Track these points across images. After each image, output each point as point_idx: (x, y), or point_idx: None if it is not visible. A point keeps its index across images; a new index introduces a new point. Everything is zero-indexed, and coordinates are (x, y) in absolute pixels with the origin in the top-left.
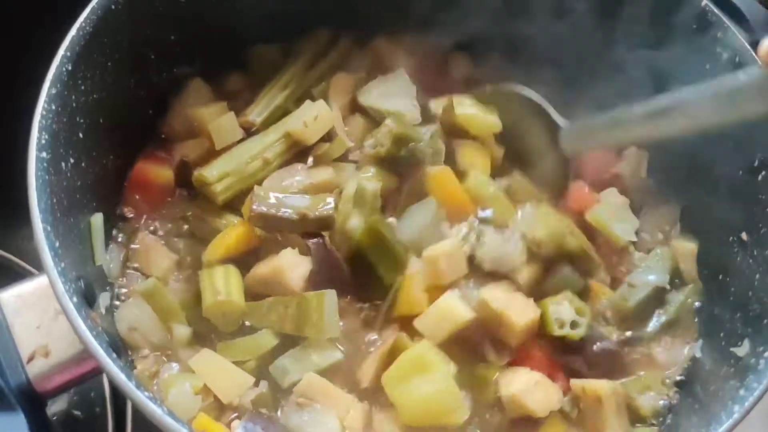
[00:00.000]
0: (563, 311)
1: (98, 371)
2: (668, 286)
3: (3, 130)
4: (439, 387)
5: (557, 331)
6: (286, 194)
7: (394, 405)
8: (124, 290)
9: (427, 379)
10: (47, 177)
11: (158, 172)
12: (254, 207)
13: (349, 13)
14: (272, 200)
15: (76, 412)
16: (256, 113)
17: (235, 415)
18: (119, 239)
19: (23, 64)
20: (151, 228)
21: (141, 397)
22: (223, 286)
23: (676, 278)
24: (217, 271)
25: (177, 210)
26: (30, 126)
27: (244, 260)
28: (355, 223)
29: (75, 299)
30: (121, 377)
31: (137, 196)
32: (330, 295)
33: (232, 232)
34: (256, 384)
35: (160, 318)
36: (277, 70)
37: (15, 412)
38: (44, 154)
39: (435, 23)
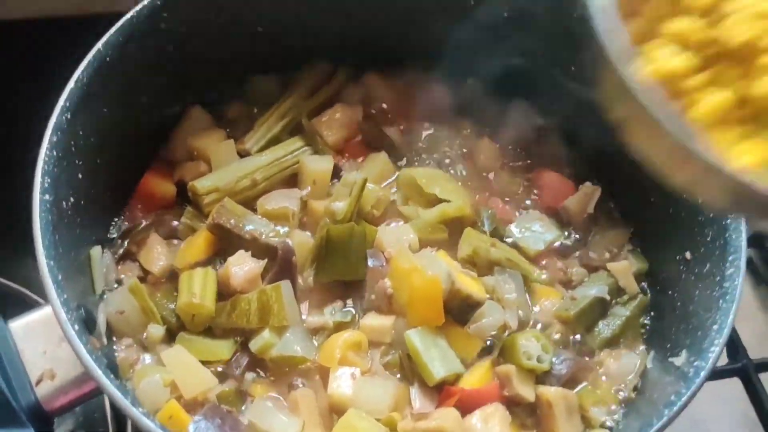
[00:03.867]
0: (531, 346)
1: (99, 391)
2: (608, 297)
3: (6, 171)
4: None
5: (525, 363)
6: (251, 216)
7: None
8: (122, 276)
9: None
10: (50, 217)
11: (162, 186)
12: (215, 216)
13: (345, 47)
14: (233, 218)
15: None
16: (253, 141)
17: None
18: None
19: (21, 112)
20: (158, 230)
21: (136, 413)
22: (200, 289)
23: (622, 294)
24: (198, 274)
25: (173, 217)
26: (30, 162)
27: (213, 262)
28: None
29: (76, 327)
30: (117, 395)
31: (140, 206)
32: (285, 285)
33: (200, 236)
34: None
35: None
36: (275, 99)
37: (26, 428)
38: (47, 197)
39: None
